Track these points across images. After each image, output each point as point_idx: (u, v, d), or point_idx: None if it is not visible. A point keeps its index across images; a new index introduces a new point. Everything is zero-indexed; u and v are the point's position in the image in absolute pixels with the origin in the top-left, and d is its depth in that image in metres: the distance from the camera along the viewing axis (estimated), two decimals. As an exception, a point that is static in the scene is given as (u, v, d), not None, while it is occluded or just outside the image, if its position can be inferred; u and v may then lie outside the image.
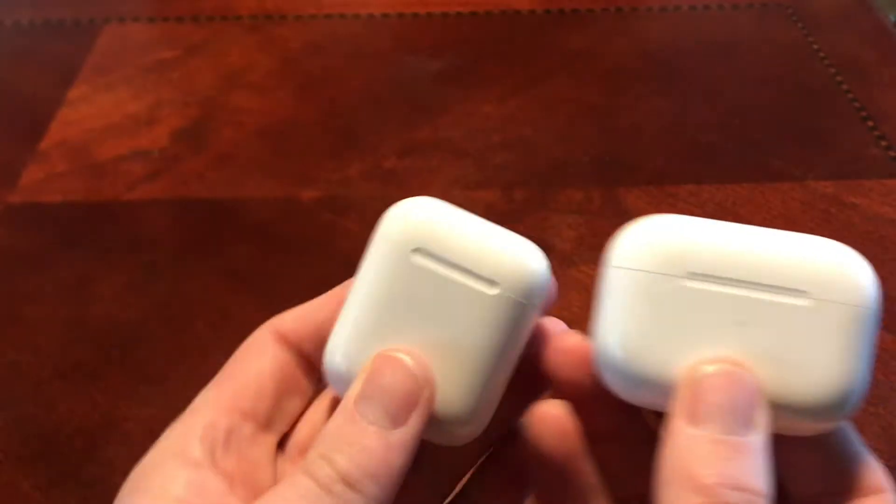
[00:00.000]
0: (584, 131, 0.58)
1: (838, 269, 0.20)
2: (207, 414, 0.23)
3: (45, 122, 0.59)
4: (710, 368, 0.20)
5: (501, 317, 0.22)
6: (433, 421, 0.22)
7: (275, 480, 0.24)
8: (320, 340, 0.24)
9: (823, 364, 0.20)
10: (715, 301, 0.20)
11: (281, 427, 0.25)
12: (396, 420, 0.21)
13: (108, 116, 0.59)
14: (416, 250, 0.22)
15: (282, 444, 0.25)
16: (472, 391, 0.22)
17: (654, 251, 0.21)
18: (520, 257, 0.22)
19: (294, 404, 0.25)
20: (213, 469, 0.22)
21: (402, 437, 0.21)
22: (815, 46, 0.66)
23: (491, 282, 0.22)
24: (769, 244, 0.20)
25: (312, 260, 0.48)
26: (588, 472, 0.24)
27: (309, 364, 0.25)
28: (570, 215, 0.51)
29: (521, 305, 0.22)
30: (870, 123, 0.58)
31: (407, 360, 0.22)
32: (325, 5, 0.71)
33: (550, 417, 0.23)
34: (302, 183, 0.54)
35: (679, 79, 0.63)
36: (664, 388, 0.20)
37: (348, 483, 0.20)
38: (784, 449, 0.22)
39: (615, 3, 0.71)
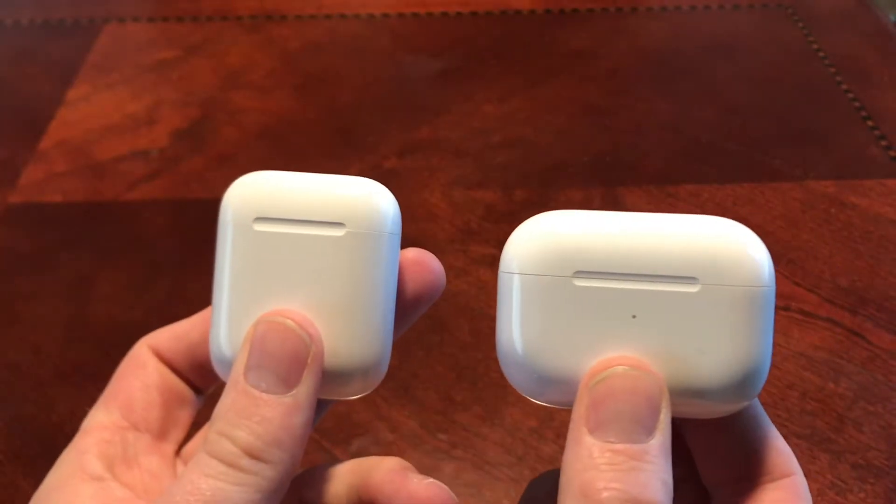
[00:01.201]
0: (584, 131, 0.58)
1: (725, 250, 0.20)
2: (100, 432, 0.24)
3: (44, 121, 0.59)
4: (608, 373, 0.20)
5: (358, 254, 0.22)
6: (332, 378, 0.22)
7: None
8: (193, 360, 0.25)
9: (721, 347, 0.20)
10: (606, 297, 0.20)
11: (176, 435, 0.25)
12: (289, 382, 0.21)
13: (108, 116, 0.59)
14: (258, 220, 0.22)
15: (179, 452, 0.26)
16: (361, 337, 0.22)
17: (540, 253, 0.20)
18: (357, 193, 0.22)
19: (184, 413, 0.26)
20: (116, 481, 0.23)
21: (298, 398, 0.21)
22: (816, 46, 0.66)
23: (336, 224, 0.22)
24: (656, 232, 0.20)
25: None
26: None
27: (187, 379, 0.26)
28: (570, 215, 0.51)
29: (374, 237, 0.22)
30: (870, 123, 0.58)
31: (287, 321, 0.21)
32: (325, 5, 0.71)
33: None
34: (302, 183, 0.54)
35: (679, 79, 0.63)
36: (568, 388, 0.20)
37: (254, 456, 0.20)
38: (693, 434, 0.22)
39: (615, 3, 0.71)
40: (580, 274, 0.20)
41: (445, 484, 0.24)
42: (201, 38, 0.67)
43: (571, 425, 0.19)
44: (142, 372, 0.25)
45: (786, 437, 0.35)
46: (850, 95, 0.61)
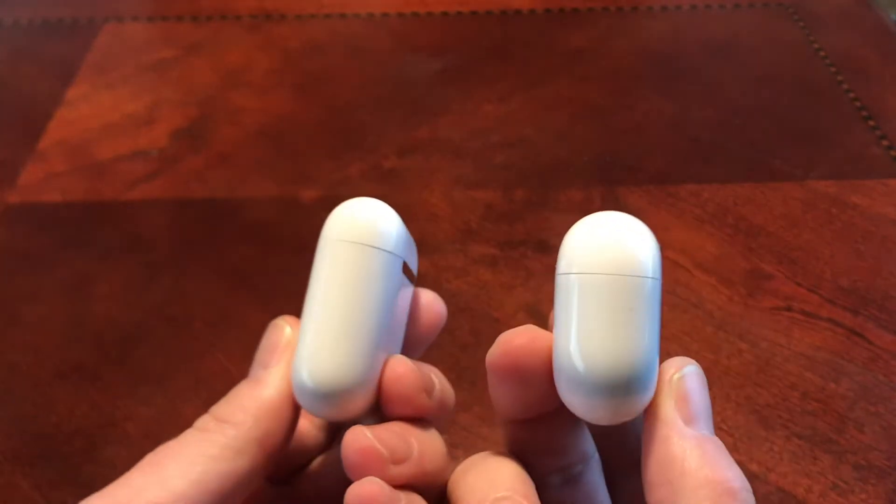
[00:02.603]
0: (584, 131, 0.58)
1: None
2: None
3: (43, 121, 0.59)
4: (688, 370, 0.20)
5: (361, 269, 0.22)
6: (322, 398, 0.21)
7: None
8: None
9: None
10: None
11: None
12: (264, 364, 0.23)
13: (108, 116, 0.59)
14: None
15: None
16: (345, 356, 0.21)
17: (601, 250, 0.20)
18: (364, 210, 0.23)
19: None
20: None
21: (267, 373, 0.23)
22: (816, 46, 0.66)
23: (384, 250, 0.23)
24: None
25: (312, 260, 0.48)
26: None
27: None
28: (570, 215, 0.51)
29: (369, 250, 0.22)
30: (871, 123, 0.58)
31: (279, 320, 0.24)
32: (325, 5, 0.71)
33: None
34: (302, 183, 0.53)
35: (679, 78, 0.63)
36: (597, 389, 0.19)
37: (219, 418, 0.21)
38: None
39: (615, 2, 0.71)
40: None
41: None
42: (201, 37, 0.67)
43: (657, 422, 0.19)
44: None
45: (787, 438, 0.35)
46: (851, 95, 0.60)
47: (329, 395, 0.21)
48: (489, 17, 0.70)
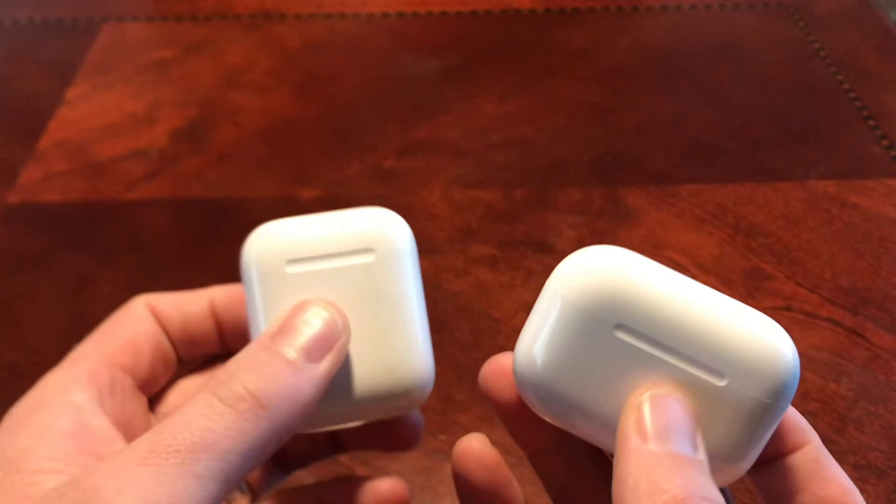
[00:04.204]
0: (584, 131, 0.58)
1: (760, 358, 0.20)
2: (90, 363, 0.24)
3: (43, 121, 0.59)
4: (656, 391, 0.20)
5: (391, 275, 0.23)
6: (390, 395, 0.23)
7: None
8: (186, 330, 0.26)
9: (723, 441, 0.20)
10: (633, 355, 0.20)
11: (153, 389, 0.26)
12: (311, 357, 0.21)
13: (107, 116, 0.59)
14: (290, 262, 0.23)
15: (153, 409, 0.26)
16: (408, 354, 0.23)
17: (593, 292, 0.21)
18: (377, 221, 0.24)
19: (166, 373, 0.26)
20: (99, 411, 0.23)
21: (314, 371, 0.21)
22: (817, 46, 0.66)
23: (366, 251, 0.23)
24: (706, 315, 0.20)
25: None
26: (517, 497, 0.24)
27: (174, 345, 0.27)
28: (570, 215, 0.51)
29: (401, 257, 0.23)
30: (871, 123, 0.58)
31: (326, 308, 0.22)
32: (325, 5, 0.71)
33: (472, 452, 0.24)
34: (301, 182, 0.53)
35: (679, 78, 0.63)
36: (580, 411, 0.21)
37: (256, 400, 0.20)
38: None
39: (615, 2, 0.71)
40: (621, 327, 0.20)
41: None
42: (200, 37, 0.67)
43: (622, 442, 0.20)
44: (139, 323, 0.26)
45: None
46: (852, 95, 0.60)
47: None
48: (489, 17, 0.70)
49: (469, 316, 0.44)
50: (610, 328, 0.21)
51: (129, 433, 0.23)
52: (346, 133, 0.58)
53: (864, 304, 0.45)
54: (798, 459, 0.22)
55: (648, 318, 0.20)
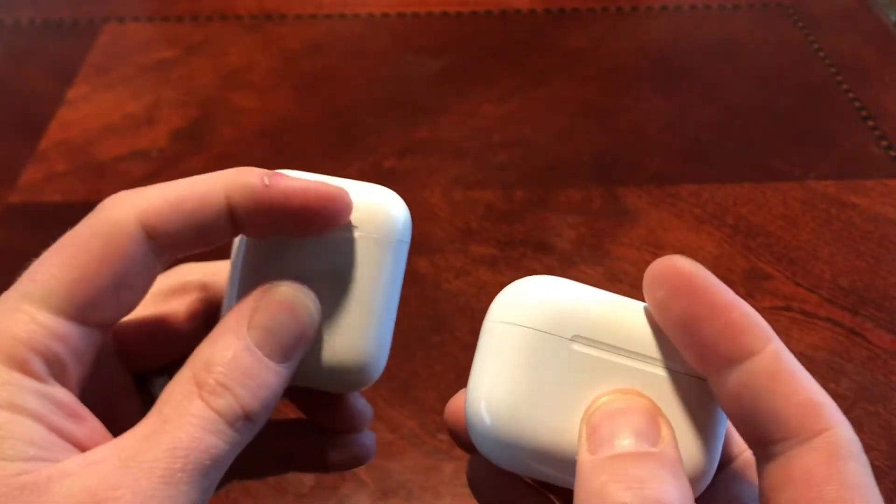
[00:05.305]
0: (584, 131, 0.58)
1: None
2: (47, 326, 0.21)
3: (44, 121, 0.59)
4: (601, 401, 0.20)
5: (367, 257, 0.23)
6: (332, 371, 0.23)
7: (112, 379, 0.23)
8: (193, 242, 0.22)
9: (692, 434, 0.20)
10: (595, 365, 0.20)
11: (115, 319, 0.22)
12: (286, 356, 0.21)
13: (108, 116, 0.59)
14: None
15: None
16: (361, 334, 0.23)
17: (546, 310, 0.21)
18: (372, 200, 0.23)
19: (136, 303, 0.23)
20: (60, 379, 0.20)
21: (288, 372, 0.21)
22: (816, 46, 0.66)
23: (350, 226, 0.23)
24: (647, 315, 0.21)
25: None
26: None
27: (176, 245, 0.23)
28: (570, 215, 0.51)
29: (384, 242, 0.23)
30: (870, 123, 0.58)
31: (310, 302, 0.22)
32: (325, 5, 0.71)
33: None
34: (302, 183, 0.53)
35: (679, 79, 0.63)
36: (542, 456, 0.20)
37: (249, 418, 0.20)
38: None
39: (615, 2, 0.71)
40: (578, 338, 0.20)
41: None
42: (201, 37, 0.67)
43: (577, 462, 0.19)
44: (127, 262, 0.21)
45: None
46: (851, 95, 0.61)
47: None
48: (489, 17, 0.70)
49: (469, 316, 0.44)
50: (567, 342, 0.20)
51: (94, 395, 0.22)
52: (346, 133, 0.58)
53: (863, 304, 0.45)
54: (745, 372, 0.19)
55: (602, 324, 0.20)
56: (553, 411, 0.20)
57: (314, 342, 0.22)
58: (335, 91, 0.62)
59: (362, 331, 0.23)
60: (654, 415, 0.19)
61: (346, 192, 0.22)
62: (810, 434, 0.18)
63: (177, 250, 0.23)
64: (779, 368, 0.19)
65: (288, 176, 0.22)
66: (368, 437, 0.28)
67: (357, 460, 0.28)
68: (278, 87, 0.62)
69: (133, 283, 0.22)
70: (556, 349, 0.20)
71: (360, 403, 0.27)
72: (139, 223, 0.22)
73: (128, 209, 0.22)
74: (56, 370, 0.20)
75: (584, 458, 0.19)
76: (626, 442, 0.19)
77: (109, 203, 0.23)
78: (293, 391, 0.26)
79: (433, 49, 0.66)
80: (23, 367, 0.20)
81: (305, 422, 0.28)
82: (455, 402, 0.23)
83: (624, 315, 0.21)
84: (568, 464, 0.20)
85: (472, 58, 0.65)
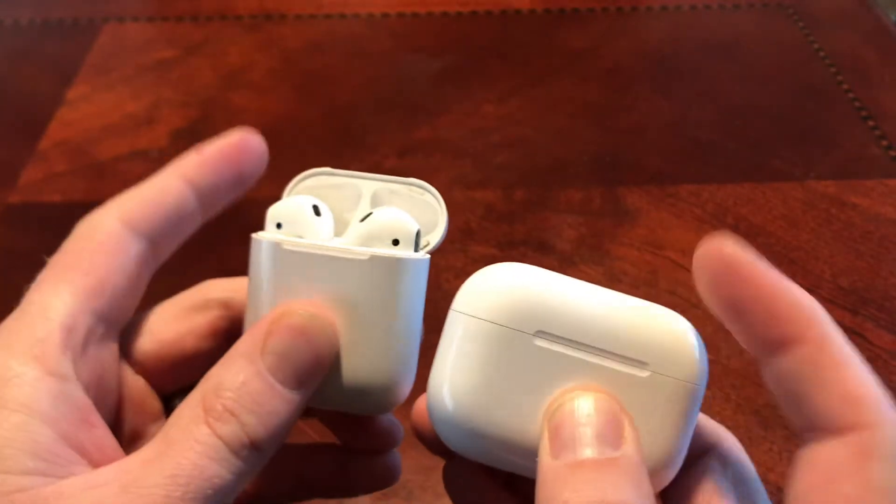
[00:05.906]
0: (584, 131, 0.58)
1: (675, 344, 0.20)
2: (64, 313, 0.22)
3: (44, 121, 0.59)
4: (564, 399, 0.19)
5: (389, 278, 0.22)
6: (357, 393, 0.22)
7: (119, 384, 0.23)
8: (170, 227, 0.24)
9: (653, 430, 0.20)
10: (558, 362, 0.20)
11: (123, 322, 0.24)
12: (300, 383, 0.20)
13: (108, 116, 0.59)
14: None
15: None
16: (385, 356, 0.22)
17: (510, 305, 0.20)
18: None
19: (135, 299, 0.24)
20: (76, 380, 0.20)
21: (302, 399, 0.20)
22: (816, 46, 0.66)
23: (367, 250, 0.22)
24: (614, 308, 0.21)
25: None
26: None
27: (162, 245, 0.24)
28: (570, 215, 0.51)
29: (403, 261, 0.22)
30: (871, 123, 0.58)
31: (330, 327, 0.21)
32: (325, 5, 0.71)
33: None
34: (302, 183, 0.54)
35: (679, 79, 0.63)
36: (502, 444, 0.20)
37: (256, 447, 0.19)
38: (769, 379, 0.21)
39: (615, 2, 0.71)
40: (541, 334, 0.20)
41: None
42: (201, 37, 0.67)
43: (538, 464, 0.19)
44: (120, 255, 0.23)
45: (787, 438, 0.35)
46: (851, 95, 0.60)
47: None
48: (489, 17, 0.70)
49: (469, 316, 0.44)
50: (530, 337, 0.20)
51: (102, 389, 0.22)
52: (346, 133, 0.58)
53: (863, 304, 0.45)
54: (789, 360, 0.18)
55: (566, 320, 0.20)
56: (514, 402, 0.20)
57: (336, 365, 0.22)
58: (335, 91, 0.62)
59: (387, 351, 0.22)
60: (617, 414, 0.19)
61: (256, 137, 0.24)
62: (845, 428, 0.17)
63: (161, 238, 0.24)
64: (822, 358, 0.18)
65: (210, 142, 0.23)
66: (395, 458, 0.27)
67: (383, 482, 0.27)
68: (278, 87, 0.62)
69: (130, 278, 0.23)
70: (519, 344, 0.20)
71: (390, 421, 0.26)
72: (119, 220, 0.23)
73: (107, 213, 0.24)
74: (75, 366, 0.20)
75: (546, 462, 0.19)
76: (587, 450, 0.18)
77: (87, 217, 0.24)
78: (321, 410, 0.25)
79: (433, 49, 0.66)
80: (43, 362, 0.20)
81: (328, 445, 0.27)
82: (422, 403, 0.23)
83: (592, 308, 0.20)
84: (528, 454, 0.20)
85: (472, 58, 0.65)
